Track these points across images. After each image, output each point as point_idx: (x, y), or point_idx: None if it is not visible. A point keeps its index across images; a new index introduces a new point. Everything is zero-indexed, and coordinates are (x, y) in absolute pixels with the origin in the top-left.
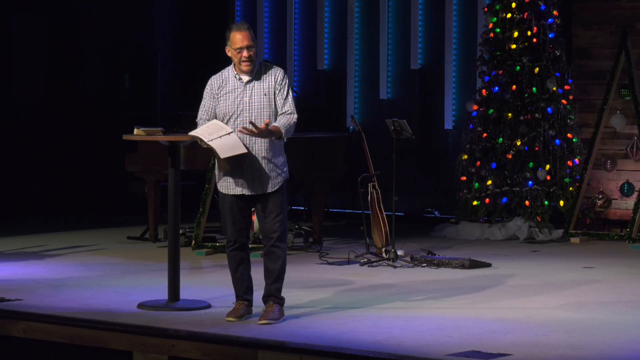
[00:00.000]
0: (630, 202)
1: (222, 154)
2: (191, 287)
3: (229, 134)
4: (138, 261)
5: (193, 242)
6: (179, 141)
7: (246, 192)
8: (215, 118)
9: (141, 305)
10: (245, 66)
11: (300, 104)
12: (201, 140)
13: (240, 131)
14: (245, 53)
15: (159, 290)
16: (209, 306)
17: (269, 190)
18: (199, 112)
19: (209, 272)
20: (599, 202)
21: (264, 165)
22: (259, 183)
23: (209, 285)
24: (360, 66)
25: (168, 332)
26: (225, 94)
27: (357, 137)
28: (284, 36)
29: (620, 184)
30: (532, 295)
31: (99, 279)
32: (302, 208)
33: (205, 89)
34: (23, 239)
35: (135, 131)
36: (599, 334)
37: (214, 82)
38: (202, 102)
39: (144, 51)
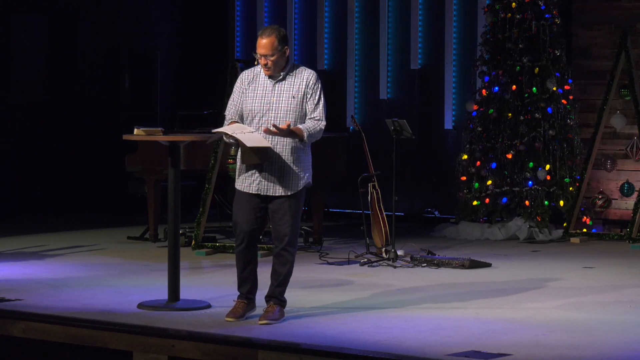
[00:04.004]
0: (630, 202)
1: (248, 143)
2: (191, 287)
3: (252, 132)
4: (138, 261)
5: (193, 242)
6: (179, 141)
7: (263, 191)
8: (242, 113)
9: (141, 305)
10: (264, 71)
11: None
12: (226, 134)
13: (264, 131)
14: (262, 60)
15: (159, 290)
16: (209, 306)
17: (287, 193)
18: (227, 106)
19: (209, 272)
20: (599, 202)
21: (285, 167)
22: (277, 184)
23: (209, 285)
24: (360, 66)
25: (168, 332)
26: (254, 90)
27: (357, 137)
28: None
29: (620, 184)
30: (532, 295)
31: (99, 279)
32: (303, 208)
33: (236, 83)
34: (23, 239)
35: (135, 131)
36: (599, 334)
37: (244, 76)
38: (231, 96)
39: (144, 51)
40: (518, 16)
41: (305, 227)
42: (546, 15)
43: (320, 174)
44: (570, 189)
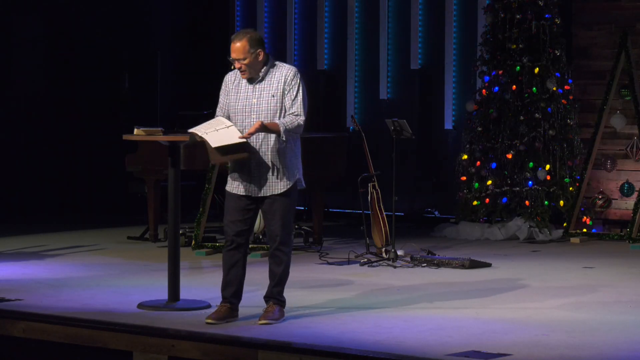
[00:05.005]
0: (630, 202)
1: (214, 143)
2: (191, 287)
3: (227, 127)
4: (138, 261)
5: (193, 242)
6: (179, 141)
7: (252, 193)
8: (229, 115)
9: (141, 305)
10: (241, 75)
11: None
12: (197, 135)
13: (240, 137)
14: (237, 64)
15: (159, 290)
16: (209, 306)
17: (275, 192)
18: (217, 109)
19: (209, 272)
20: (599, 202)
21: (271, 167)
22: (265, 184)
23: (209, 285)
24: (360, 66)
25: (168, 332)
26: (236, 92)
27: (357, 137)
28: (284, 36)
29: (620, 184)
30: (532, 295)
31: (99, 279)
32: (302, 208)
33: (222, 87)
34: (23, 239)
35: (135, 131)
36: (599, 334)
37: (228, 78)
38: (219, 100)
39: (144, 51)
40: (518, 16)
41: (305, 227)
42: (546, 15)
43: (320, 174)
44: (570, 189)
